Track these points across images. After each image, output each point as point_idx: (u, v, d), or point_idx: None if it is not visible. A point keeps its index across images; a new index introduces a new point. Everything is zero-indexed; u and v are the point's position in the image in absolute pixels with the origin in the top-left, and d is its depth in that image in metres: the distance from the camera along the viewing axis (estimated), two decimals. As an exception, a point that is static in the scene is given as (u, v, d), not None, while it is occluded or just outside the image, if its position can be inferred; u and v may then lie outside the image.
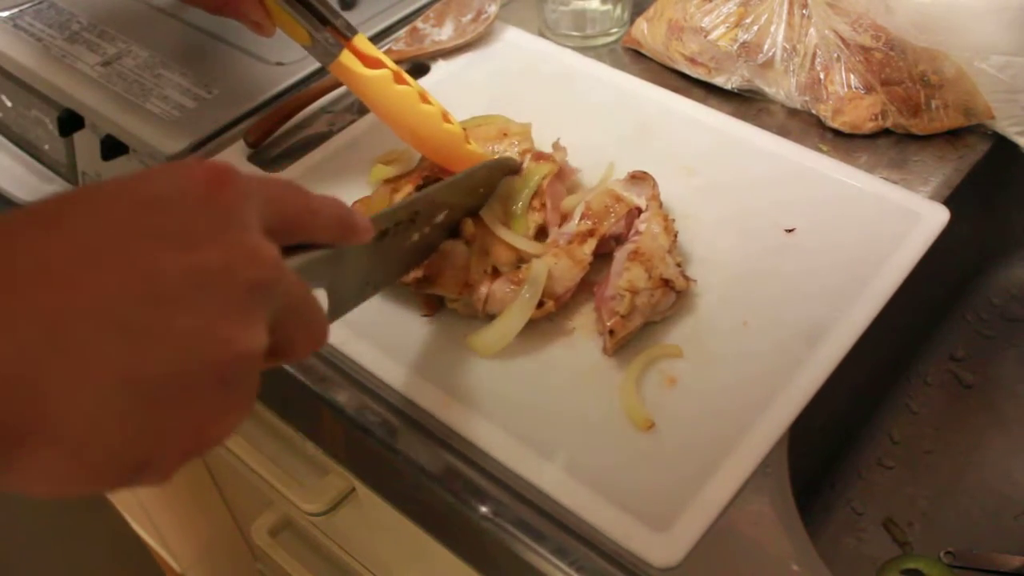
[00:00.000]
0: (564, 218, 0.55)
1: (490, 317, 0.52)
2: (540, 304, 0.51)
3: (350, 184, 0.60)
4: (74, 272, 0.26)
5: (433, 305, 0.53)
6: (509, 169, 0.56)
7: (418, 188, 0.56)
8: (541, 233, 0.55)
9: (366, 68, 0.56)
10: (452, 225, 0.53)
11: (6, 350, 0.25)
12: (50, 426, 0.25)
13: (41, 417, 0.25)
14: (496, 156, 0.58)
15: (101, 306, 0.26)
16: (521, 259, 0.53)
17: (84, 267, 0.26)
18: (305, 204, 0.35)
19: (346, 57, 0.55)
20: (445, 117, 0.57)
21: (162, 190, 0.29)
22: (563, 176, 0.57)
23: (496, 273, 0.52)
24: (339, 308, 0.43)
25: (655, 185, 0.56)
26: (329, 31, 0.55)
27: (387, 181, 0.58)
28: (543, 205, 0.55)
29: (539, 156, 0.57)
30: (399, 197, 0.56)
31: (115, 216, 0.28)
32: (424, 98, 0.57)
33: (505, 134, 0.60)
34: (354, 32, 0.56)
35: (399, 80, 0.56)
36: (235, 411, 0.30)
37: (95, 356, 0.26)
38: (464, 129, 0.58)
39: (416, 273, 0.51)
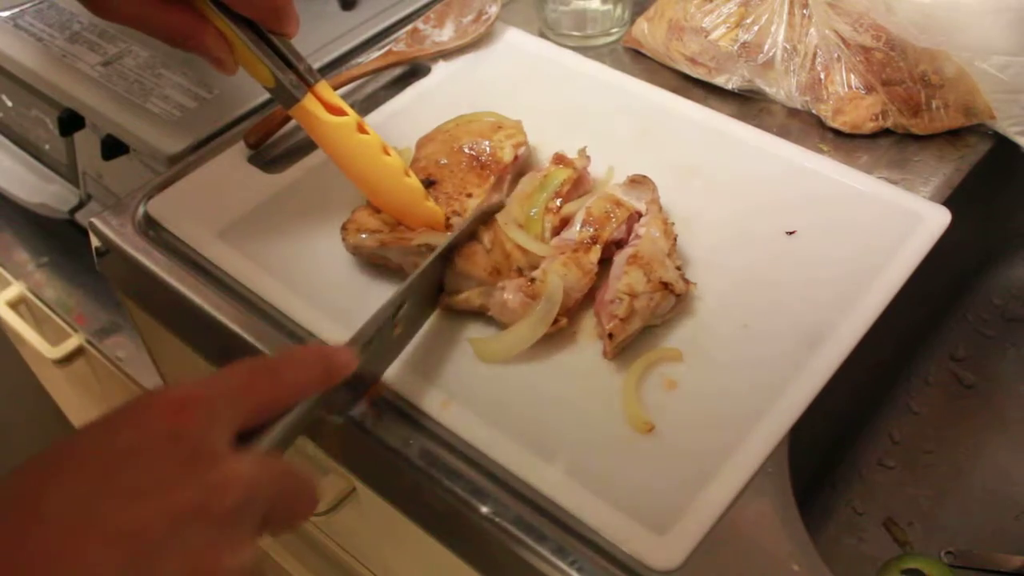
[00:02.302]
0: (565, 222, 0.55)
1: (497, 321, 0.52)
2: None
3: (349, 186, 0.60)
4: (59, 555, 0.28)
5: None
6: (491, 213, 0.55)
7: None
8: (556, 236, 0.55)
9: (329, 115, 0.54)
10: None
11: None
12: None
13: None
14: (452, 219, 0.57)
15: (87, 573, 0.28)
16: (532, 263, 0.53)
17: (67, 548, 0.28)
18: (277, 389, 0.36)
19: (310, 102, 0.54)
20: (405, 171, 0.56)
21: (128, 441, 0.31)
22: (581, 184, 0.57)
23: (519, 273, 0.52)
24: (343, 409, 0.45)
25: (655, 189, 0.56)
26: (293, 74, 0.53)
27: None
28: (559, 209, 0.55)
29: (560, 160, 0.57)
30: None
31: (87, 486, 0.29)
32: (385, 150, 0.56)
33: (499, 127, 0.60)
34: (317, 79, 0.54)
35: (361, 130, 0.55)
36: None
37: None
38: (424, 182, 0.57)
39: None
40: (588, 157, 0.58)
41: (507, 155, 0.58)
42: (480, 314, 0.53)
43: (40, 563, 0.28)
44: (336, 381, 0.39)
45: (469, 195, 0.56)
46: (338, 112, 0.55)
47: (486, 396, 0.49)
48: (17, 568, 0.28)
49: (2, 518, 0.29)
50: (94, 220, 0.61)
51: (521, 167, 0.60)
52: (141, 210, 0.61)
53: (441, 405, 0.49)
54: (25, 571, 0.28)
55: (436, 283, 0.53)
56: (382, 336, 0.47)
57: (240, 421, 0.34)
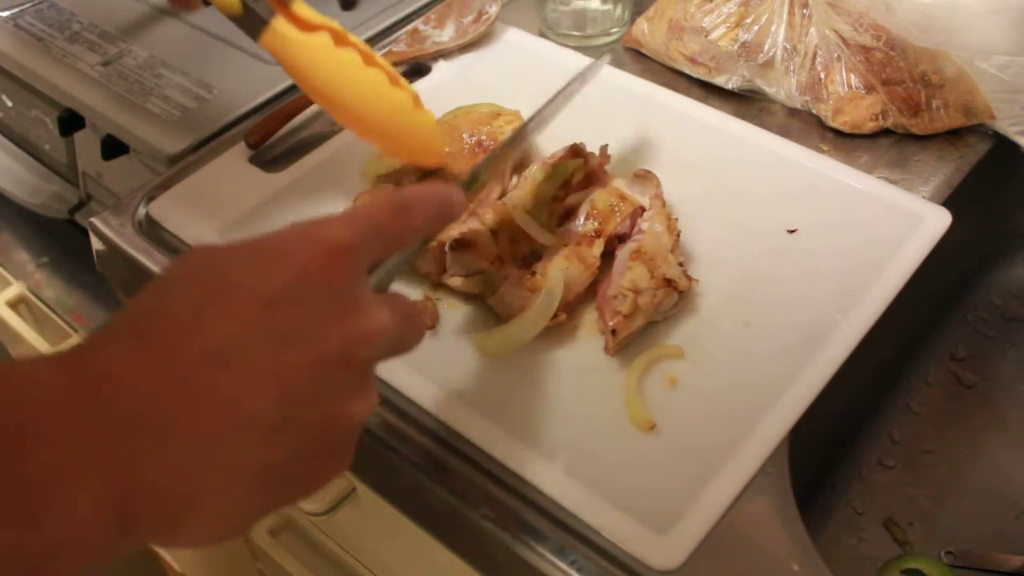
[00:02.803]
0: (569, 212, 0.55)
1: (496, 313, 0.52)
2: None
3: (350, 185, 0.60)
4: (211, 381, 0.29)
5: (434, 319, 0.53)
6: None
7: (419, 180, 0.56)
8: (560, 226, 0.55)
9: (301, 33, 0.50)
10: None
11: (160, 467, 0.28)
12: (199, 516, 0.29)
13: (192, 513, 0.29)
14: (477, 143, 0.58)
15: (237, 411, 0.29)
16: (536, 250, 0.53)
17: (219, 375, 0.29)
18: (409, 224, 0.37)
19: (279, 23, 0.50)
20: (394, 80, 0.52)
21: (281, 282, 0.31)
22: (593, 178, 0.57)
23: (524, 262, 0.52)
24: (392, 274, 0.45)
25: (659, 184, 0.56)
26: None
27: (387, 176, 0.59)
28: (564, 198, 0.55)
29: (574, 151, 0.57)
30: None
31: (242, 320, 0.30)
32: (370, 60, 0.52)
33: (498, 114, 0.61)
34: None
35: (342, 42, 0.51)
36: (347, 462, 0.34)
37: (235, 458, 0.29)
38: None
39: (451, 232, 0.51)
40: (609, 156, 0.59)
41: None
42: (479, 297, 0.53)
43: (191, 395, 0.29)
44: (455, 218, 0.40)
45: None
46: (316, 29, 0.51)
47: (486, 393, 0.49)
48: (166, 398, 0.28)
49: (157, 341, 0.29)
50: (94, 220, 0.61)
51: (521, 155, 0.60)
52: (141, 210, 0.61)
53: (441, 403, 0.49)
54: (174, 402, 0.28)
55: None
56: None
57: (380, 255, 0.35)
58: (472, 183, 0.46)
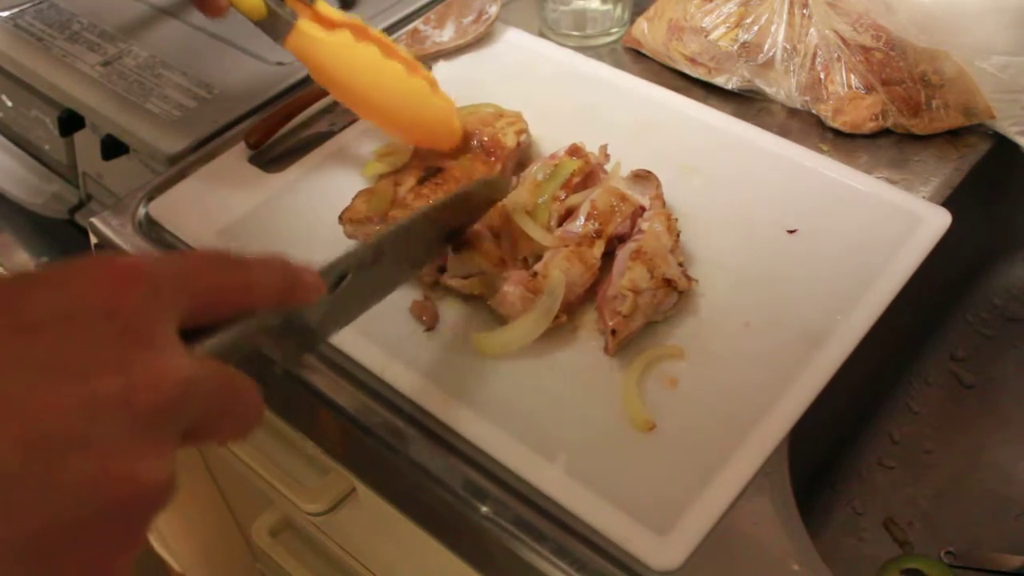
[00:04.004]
0: (569, 212, 0.55)
1: (497, 314, 0.52)
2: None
3: (350, 185, 0.60)
4: None
5: (434, 319, 0.53)
6: (496, 191, 0.52)
7: (420, 181, 0.56)
8: (559, 226, 0.55)
9: (326, 33, 0.52)
10: (440, 240, 0.51)
11: None
12: None
13: None
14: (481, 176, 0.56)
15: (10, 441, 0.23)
16: (536, 251, 0.53)
17: None
18: (235, 281, 0.31)
19: (304, 24, 0.51)
20: (412, 68, 0.53)
21: (51, 308, 0.26)
22: (592, 178, 0.57)
23: (525, 263, 0.52)
24: (290, 358, 0.40)
25: (659, 184, 0.56)
26: (288, 2, 0.52)
27: (387, 175, 0.58)
28: (565, 199, 0.55)
29: (573, 151, 0.57)
30: (402, 191, 0.56)
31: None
32: (389, 51, 0.53)
33: (500, 115, 0.61)
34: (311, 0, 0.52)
35: (361, 36, 0.52)
36: (134, 544, 0.27)
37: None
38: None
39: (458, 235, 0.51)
40: (608, 155, 0.59)
41: (510, 140, 0.58)
42: (479, 298, 0.53)
43: None
44: (297, 300, 0.34)
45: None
46: (338, 26, 0.52)
47: (486, 393, 0.49)
48: None
49: None
50: (94, 220, 0.61)
51: (522, 156, 0.60)
52: (141, 210, 0.61)
53: (441, 402, 0.49)
54: None
55: (423, 244, 0.49)
56: (359, 276, 0.41)
57: (187, 310, 0.29)
58: (339, 276, 0.40)
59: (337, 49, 0.53)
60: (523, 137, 0.59)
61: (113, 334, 0.26)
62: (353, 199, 0.56)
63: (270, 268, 0.33)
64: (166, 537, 1.28)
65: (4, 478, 0.23)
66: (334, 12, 0.53)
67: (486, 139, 0.59)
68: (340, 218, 0.55)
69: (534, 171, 0.56)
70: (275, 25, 0.52)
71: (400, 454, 0.48)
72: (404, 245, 0.46)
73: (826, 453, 0.61)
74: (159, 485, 0.27)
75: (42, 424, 0.24)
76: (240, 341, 0.32)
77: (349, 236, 0.56)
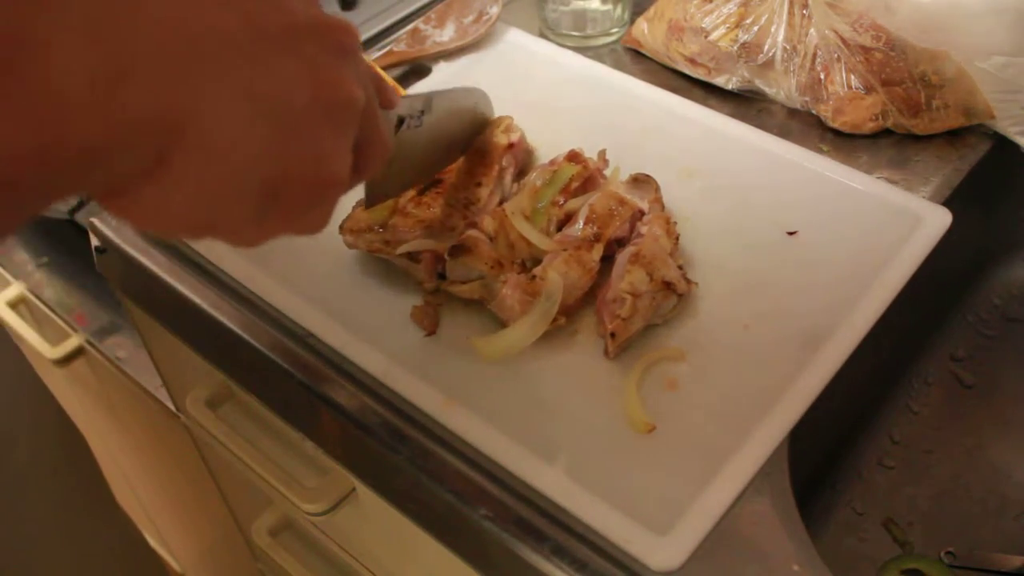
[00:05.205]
0: (569, 217, 0.55)
1: (497, 317, 0.52)
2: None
3: (349, 194, 0.60)
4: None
5: (434, 324, 0.53)
6: (481, 123, 0.59)
7: (420, 192, 0.56)
8: (559, 231, 0.55)
9: None
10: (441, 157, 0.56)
11: (164, 52, 0.26)
12: (200, 122, 0.27)
13: (194, 115, 0.27)
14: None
15: (236, 29, 0.28)
16: (534, 256, 0.53)
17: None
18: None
19: None
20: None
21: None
22: (591, 183, 0.57)
23: (523, 267, 0.52)
24: (374, 196, 0.48)
25: (657, 188, 0.56)
26: None
27: None
28: (564, 204, 0.55)
29: (572, 156, 0.57)
30: (403, 200, 0.56)
31: None
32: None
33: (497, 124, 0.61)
34: None
35: None
36: (339, 153, 0.33)
37: (235, 70, 0.28)
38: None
39: (451, 240, 0.52)
40: (607, 160, 0.59)
41: (502, 140, 0.58)
42: (479, 303, 0.53)
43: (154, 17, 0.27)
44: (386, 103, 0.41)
45: (479, 184, 0.57)
46: None
47: (486, 396, 0.49)
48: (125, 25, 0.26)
49: None
50: (94, 220, 0.61)
51: (522, 158, 0.60)
52: (141, 210, 0.61)
53: (442, 405, 0.49)
54: (139, 26, 0.26)
55: (448, 136, 0.55)
56: (410, 127, 0.49)
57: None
58: (399, 120, 0.48)
59: None
60: (515, 136, 0.59)
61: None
62: (353, 209, 0.56)
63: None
64: (166, 537, 1.28)
65: (260, 44, 0.29)
66: None
67: (480, 146, 0.59)
68: (340, 228, 0.55)
69: (533, 177, 0.56)
70: None
71: (400, 454, 0.48)
72: (444, 115, 0.53)
73: (826, 453, 0.61)
74: (354, 103, 0.33)
75: (287, 16, 0.30)
76: None
77: (350, 247, 0.56)
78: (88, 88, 0.25)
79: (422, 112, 0.49)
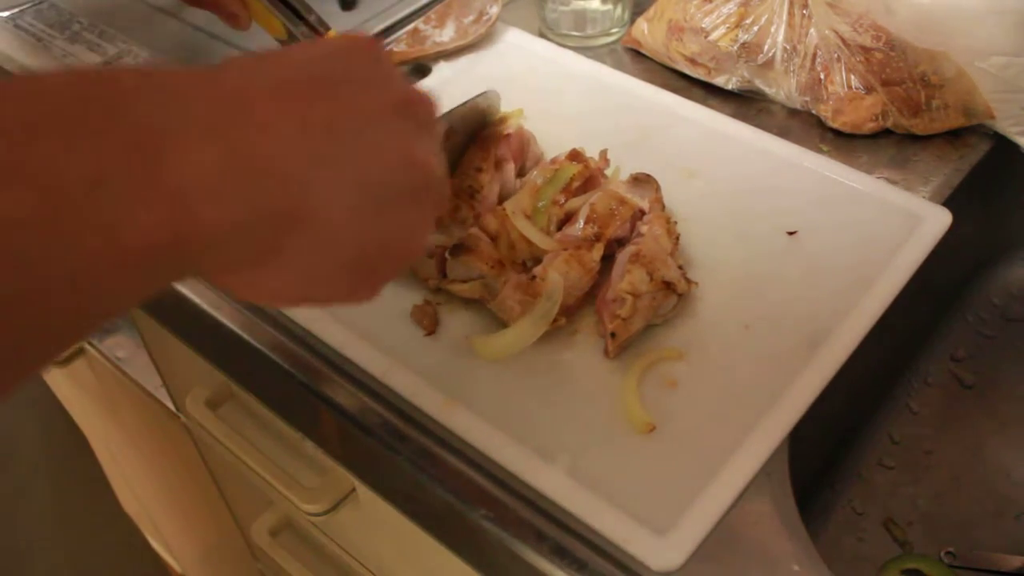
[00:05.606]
0: (569, 217, 0.55)
1: (498, 318, 0.52)
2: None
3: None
4: (317, 92, 0.31)
5: (434, 323, 0.53)
6: (486, 111, 0.59)
7: None
8: (559, 231, 0.55)
9: None
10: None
11: (280, 150, 0.29)
12: (313, 214, 0.30)
13: (307, 208, 0.30)
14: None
15: (343, 118, 0.31)
16: (535, 255, 0.53)
17: (322, 90, 0.31)
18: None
19: None
20: None
21: (329, 49, 0.34)
22: (592, 182, 0.57)
23: (524, 266, 0.52)
24: None
25: (658, 187, 0.56)
26: (304, 26, 0.57)
27: None
28: (564, 203, 0.55)
29: (574, 155, 0.57)
30: None
31: (313, 66, 0.32)
32: None
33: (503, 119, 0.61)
34: (327, 28, 0.57)
35: None
36: (424, 228, 0.35)
37: (342, 161, 0.31)
38: None
39: (462, 232, 0.52)
40: (608, 160, 0.59)
41: (501, 129, 0.58)
42: (479, 303, 0.53)
43: (301, 91, 0.30)
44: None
45: (479, 169, 0.57)
46: None
47: (486, 396, 0.49)
48: (290, 84, 0.30)
49: (246, 63, 0.31)
50: (94, 220, 0.61)
51: (520, 148, 0.60)
52: (141, 210, 0.61)
53: (441, 405, 0.49)
54: (294, 87, 0.30)
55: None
56: None
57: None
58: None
59: None
60: (513, 124, 0.59)
61: (383, 68, 0.35)
62: None
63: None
64: (166, 537, 1.28)
65: (362, 136, 0.32)
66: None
67: (481, 136, 0.59)
68: None
69: (534, 176, 0.56)
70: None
71: (400, 454, 0.48)
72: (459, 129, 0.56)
73: (826, 453, 0.61)
74: (438, 177, 0.35)
75: (372, 109, 0.32)
76: None
77: None
78: (217, 181, 0.27)
79: (447, 137, 0.52)
